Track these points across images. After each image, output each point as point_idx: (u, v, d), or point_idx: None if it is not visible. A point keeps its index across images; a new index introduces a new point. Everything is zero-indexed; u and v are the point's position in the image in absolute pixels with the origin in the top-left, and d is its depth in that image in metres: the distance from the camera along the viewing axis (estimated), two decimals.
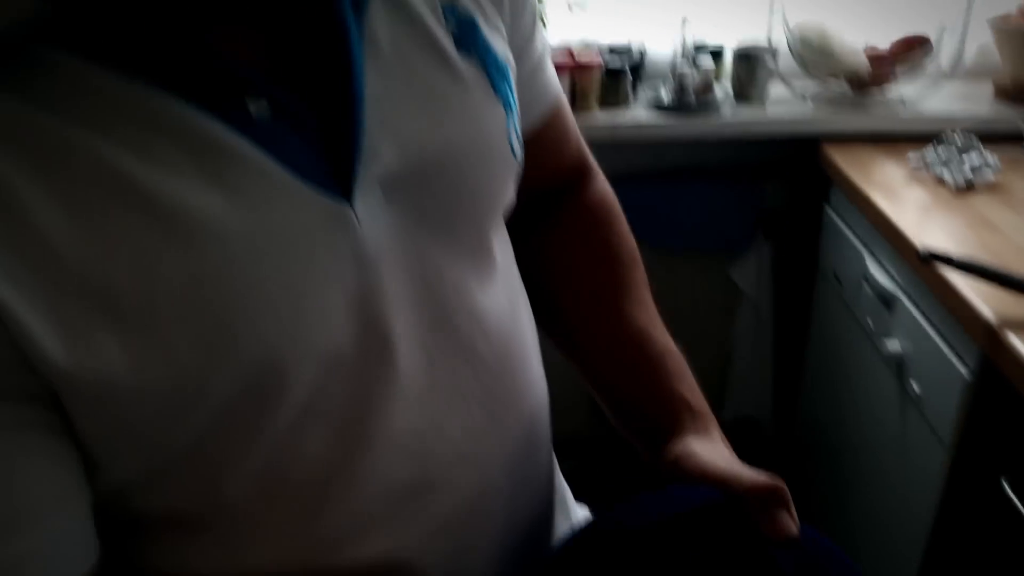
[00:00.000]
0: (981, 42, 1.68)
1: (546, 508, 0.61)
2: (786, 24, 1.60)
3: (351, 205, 0.43)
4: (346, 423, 0.45)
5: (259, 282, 0.40)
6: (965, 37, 1.60)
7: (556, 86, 0.65)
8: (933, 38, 1.59)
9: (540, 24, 0.61)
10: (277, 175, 0.41)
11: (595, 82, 1.57)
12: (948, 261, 1.02)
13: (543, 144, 0.64)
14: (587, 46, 1.64)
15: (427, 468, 0.49)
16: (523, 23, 0.58)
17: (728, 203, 1.68)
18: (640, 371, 0.60)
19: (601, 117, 1.56)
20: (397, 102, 0.45)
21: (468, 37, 0.50)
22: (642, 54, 1.67)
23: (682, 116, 1.57)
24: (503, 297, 0.55)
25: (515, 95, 0.55)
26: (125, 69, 0.38)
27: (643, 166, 1.70)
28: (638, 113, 1.60)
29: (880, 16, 1.64)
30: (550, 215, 0.68)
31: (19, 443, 0.37)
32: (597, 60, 1.57)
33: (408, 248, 0.46)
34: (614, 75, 1.58)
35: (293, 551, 0.46)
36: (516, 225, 0.61)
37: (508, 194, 0.55)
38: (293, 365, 0.41)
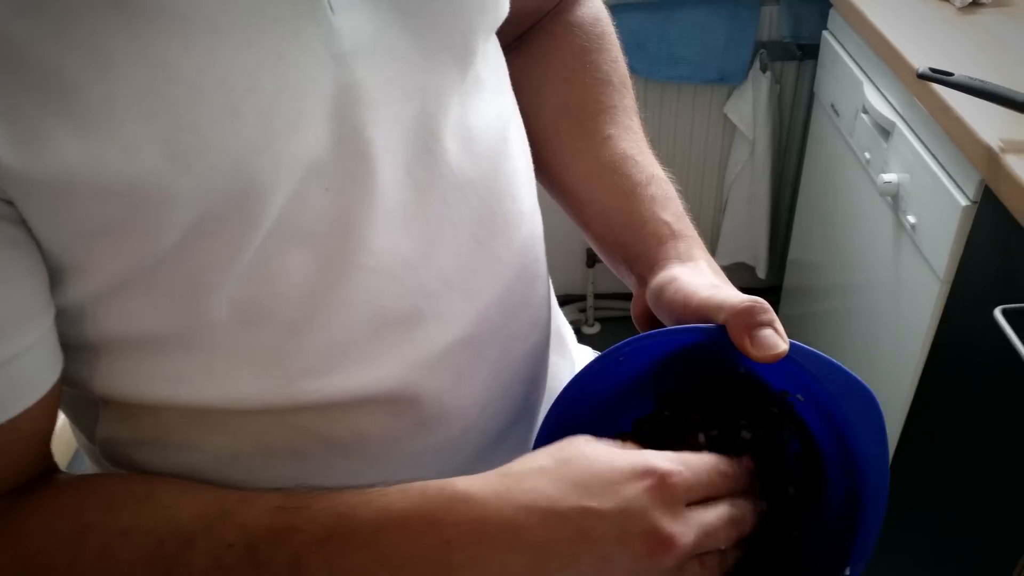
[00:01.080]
0: None
1: (543, 346, 0.59)
2: None
3: (334, 14, 0.40)
4: (326, 243, 0.43)
5: (221, 74, 0.37)
6: None
7: None
8: None
9: None
10: None
11: None
12: (947, 80, 0.95)
13: None
14: None
15: (415, 298, 0.46)
16: None
17: (724, 32, 1.57)
18: (622, 197, 0.56)
19: None
20: None
21: None
22: None
23: None
24: (492, 116, 0.51)
25: None
26: None
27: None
28: None
29: None
30: (537, 36, 0.63)
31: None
32: None
33: (387, 48, 0.42)
34: None
35: (273, 379, 0.45)
36: (502, 48, 0.57)
37: (501, 5, 0.50)
38: (265, 173, 0.39)
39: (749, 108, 1.63)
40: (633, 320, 0.53)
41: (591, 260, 1.83)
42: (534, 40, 0.63)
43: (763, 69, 1.60)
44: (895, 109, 1.19)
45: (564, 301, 1.91)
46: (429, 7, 0.44)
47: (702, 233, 0.55)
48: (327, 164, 0.41)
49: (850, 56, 1.36)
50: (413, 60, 0.44)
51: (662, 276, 0.50)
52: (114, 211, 0.37)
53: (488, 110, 0.50)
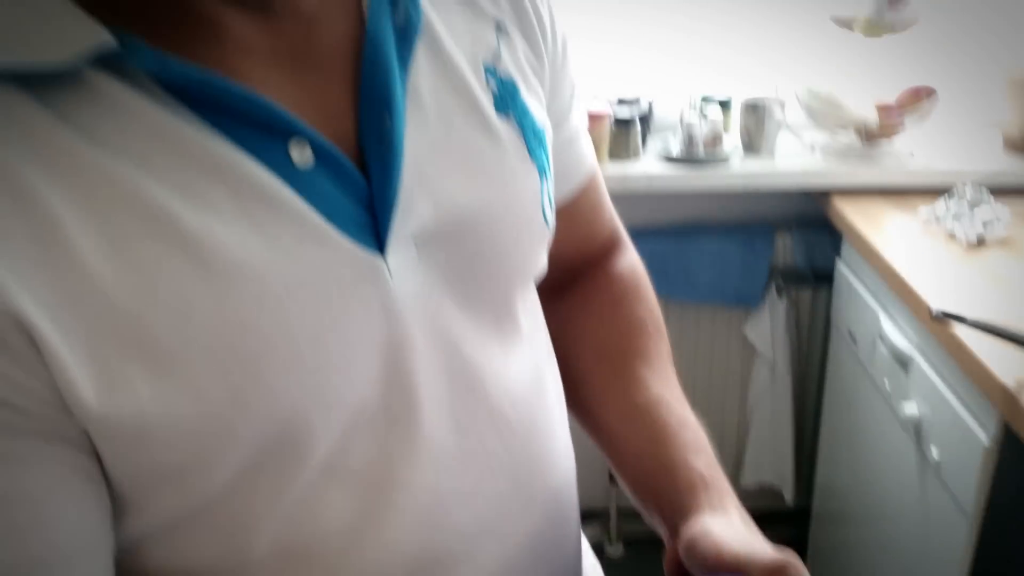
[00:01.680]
0: (988, 92, 1.67)
1: None
2: (791, 75, 1.61)
3: (384, 258, 0.43)
4: (368, 484, 0.44)
5: (290, 329, 0.40)
6: (971, 86, 1.60)
7: (591, 158, 0.65)
8: (939, 88, 1.59)
9: (578, 97, 0.61)
10: (314, 223, 0.41)
11: (605, 133, 1.57)
12: (961, 321, 0.99)
13: (576, 215, 0.64)
14: (596, 97, 1.64)
15: (448, 539, 0.47)
16: (562, 93, 0.58)
17: (740, 257, 1.66)
18: (655, 442, 0.58)
19: (611, 168, 1.56)
20: (435, 157, 0.45)
21: (508, 99, 0.50)
22: (651, 105, 1.67)
23: (691, 168, 1.56)
24: (529, 364, 0.54)
25: (551, 162, 0.54)
26: (176, 104, 0.38)
27: (653, 218, 1.69)
28: (648, 164, 1.59)
29: (884, 69, 1.63)
30: (578, 283, 0.68)
31: (55, 487, 0.37)
32: (606, 111, 1.57)
33: (436, 305, 0.46)
34: (623, 126, 1.58)
35: None
36: (545, 292, 0.61)
37: (538, 260, 0.54)
38: (318, 416, 0.41)
39: (767, 330, 1.68)
40: (666, 572, 0.54)
41: (613, 475, 1.81)
42: (575, 287, 0.67)
43: (779, 293, 1.66)
44: (911, 342, 1.23)
45: (585, 516, 1.87)
46: (474, 270, 0.48)
47: (726, 454, 0.57)
48: (375, 408, 0.44)
49: (864, 286, 1.42)
50: (459, 316, 0.47)
51: (694, 527, 0.51)
52: (179, 453, 0.39)
53: (526, 356, 0.53)
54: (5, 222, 0.34)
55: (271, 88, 0.41)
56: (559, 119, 0.58)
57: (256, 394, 0.39)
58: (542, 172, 0.52)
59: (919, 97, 1.59)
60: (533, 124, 0.51)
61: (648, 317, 0.66)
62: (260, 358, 0.39)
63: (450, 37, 0.48)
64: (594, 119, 1.54)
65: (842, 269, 1.53)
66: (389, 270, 0.43)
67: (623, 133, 1.58)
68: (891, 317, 1.31)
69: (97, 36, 0.36)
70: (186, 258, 0.37)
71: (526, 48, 0.53)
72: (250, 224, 0.39)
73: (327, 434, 0.42)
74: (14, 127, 0.35)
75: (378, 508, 0.45)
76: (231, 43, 0.40)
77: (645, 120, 1.64)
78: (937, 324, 1.05)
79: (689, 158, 1.57)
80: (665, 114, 1.70)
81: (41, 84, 0.36)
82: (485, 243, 0.48)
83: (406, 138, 0.44)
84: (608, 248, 0.69)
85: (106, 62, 0.37)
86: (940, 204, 1.42)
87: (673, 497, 0.55)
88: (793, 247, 1.68)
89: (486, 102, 0.49)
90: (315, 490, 0.43)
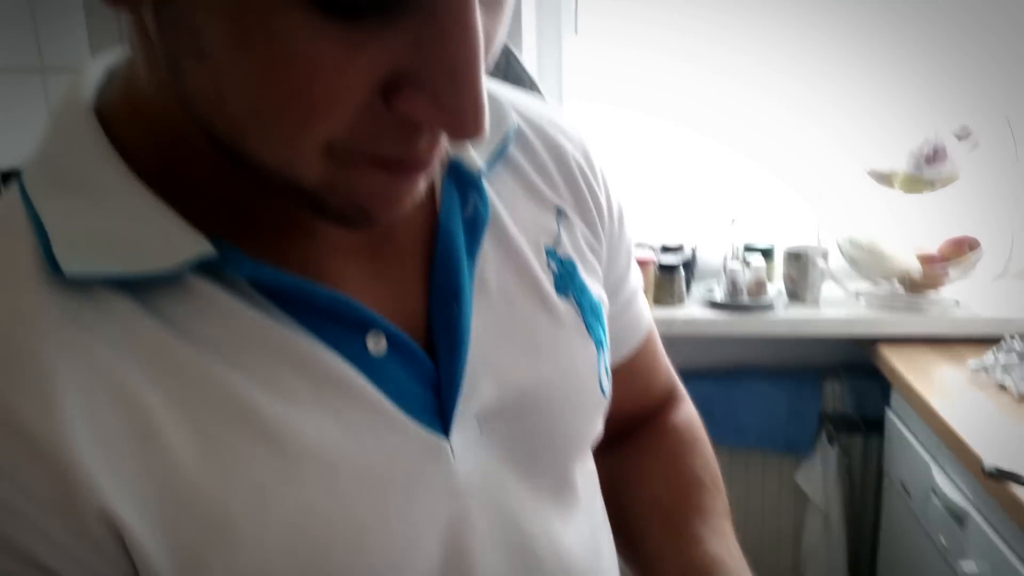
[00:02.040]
0: None
1: None
2: (834, 225, 1.65)
3: (448, 439, 0.45)
4: None
5: (357, 515, 0.41)
6: (1013, 237, 1.62)
7: (648, 318, 0.67)
8: (981, 238, 1.61)
9: (634, 261, 0.65)
10: (386, 410, 0.43)
11: (650, 279, 1.61)
12: (1017, 480, 0.98)
13: (633, 373, 0.66)
14: (640, 244, 1.70)
15: None
16: (619, 262, 0.61)
17: (788, 403, 1.66)
18: None
19: (656, 313, 1.59)
20: (499, 340, 0.48)
21: (567, 279, 0.53)
22: (694, 252, 1.72)
23: (736, 314, 1.59)
24: (586, 531, 0.55)
25: (607, 333, 0.56)
26: (266, 303, 0.41)
27: (699, 361, 1.70)
28: (692, 310, 1.62)
29: (928, 216, 1.66)
30: (634, 436, 0.69)
31: None
32: (651, 257, 1.62)
33: (496, 481, 0.48)
34: (668, 272, 1.62)
35: None
36: (601, 446, 0.61)
37: (595, 429, 0.56)
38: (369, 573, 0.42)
39: (819, 478, 1.65)
40: None
41: None
42: (632, 440, 0.68)
43: (830, 441, 1.64)
44: (966, 497, 1.20)
45: None
46: (534, 443, 0.50)
47: None
48: None
49: (915, 437, 1.41)
50: (518, 489, 0.49)
51: None
52: None
53: (582, 524, 0.54)
54: (105, 420, 0.37)
55: (351, 280, 0.45)
56: (616, 286, 0.61)
57: (321, 574, 0.41)
58: (599, 345, 0.54)
59: (962, 248, 1.62)
60: (591, 300, 0.54)
61: (705, 471, 0.66)
62: (328, 542, 0.40)
63: (514, 225, 0.51)
64: (641, 266, 1.59)
65: (892, 418, 1.51)
66: (452, 450, 0.45)
67: (668, 279, 1.62)
68: (943, 470, 1.29)
69: (198, 246, 0.39)
70: (267, 447, 0.39)
71: (584, 229, 0.56)
72: (327, 412, 0.41)
73: None
74: (117, 327, 0.39)
75: None
76: (320, 244, 0.44)
77: (689, 266, 1.68)
78: (991, 481, 1.03)
79: (733, 304, 1.60)
80: (709, 259, 1.74)
81: (144, 287, 0.39)
82: (545, 417, 0.50)
83: (472, 323, 0.47)
84: (664, 401, 0.71)
85: (204, 267, 0.40)
86: (989, 355, 1.42)
87: None
88: (842, 393, 1.67)
89: (547, 283, 0.52)
90: None
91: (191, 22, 0.34)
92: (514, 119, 0.52)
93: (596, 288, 0.56)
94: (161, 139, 0.41)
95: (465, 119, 0.34)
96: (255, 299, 0.41)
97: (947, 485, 1.26)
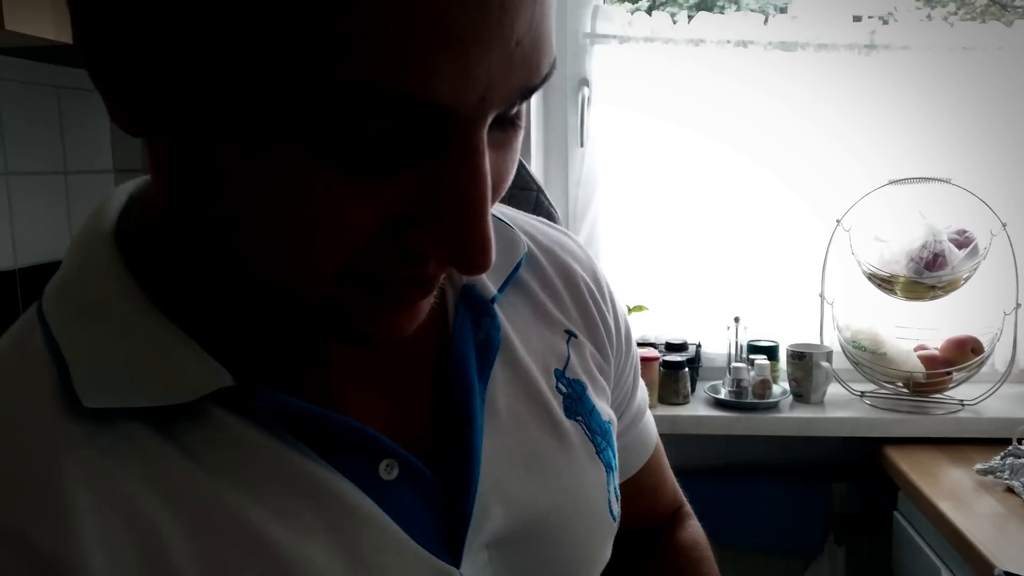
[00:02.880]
0: None
1: None
2: (837, 326, 1.67)
3: (459, 568, 0.45)
4: None
5: None
6: (1016, 341, 1.64)
7: (654, 434, 0.68)
8: (983, 339, 1.63)
9: (639, 378, 0.66)
10: (396, 537, 0.43)
11: (654, 377, 1.63)
12: None
13: (640, 488, 0.66)
14: (644, 340, 1.72)
15: None
16: (626, 379, 0.62)
17: (795, 503, 1.65)
18: None
19: (661, 411, 1.60)
20: (509, 464, 0.48)
21: (576, 401, 0.54)
22: (698, 350, 1.74)
23: (741, 413, 1.60)
24: None
25: (615, 453, 0.57)
26: (282, 432, 0.42)
27: (705, 462, 1.70)
28: (697, 408, 1.63)
29: (929, 312, 1.68)
30: (644, 553, 0.69)
31: None
32: (656, 355, 1.64)
33: None
34: (672, 370, 1.64)
35: None
36: (610, 564, 0.60)
37: (605, 553, 0.55)
38: None
39: None
40: None
41: None
42: (643, 560, 0.68)
43: (837, 542, 1.63)
44: None
45: None
46: (543, 569, 0.49)
47: None
48: None
49: (923, 539, 1.40)
50: None
51: None
52: None
53: None
54: (120, 546, 0.38)
55: (363, 404, 0.46)
56: (623, 402, 0.63)
57: None
58: (608, 468, 0.55)
59: (965, 348, 1.64)
60: (600, 421, 0.55)
61: None
62: None
63: (524, 348, 0.52)
64: (646, 363, 1.62)
65: (900, 520, 1.50)
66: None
67: (672, 377, 1.64)
68: (953, 574, 1.27)
69: (216, 376, 0.40)
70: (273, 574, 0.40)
71: (594, 350, 0.57)
72: (338, 542, 0.41)
73: None
74: (134, 454, 0.39)
75: None
76: (333, 370, 0.46)
77: (693, 364, 1.70)
78: None
79: (738, 403, 1.61)
80: (713, 357, 1.76)
81: (162, 414, 0.40)
82: (555, 544, 0.50)
83: (483, 447, 0.47)
84: (670, 516, 0.71)
85: (222, 394, 0.41)
86: (996, 459, 1.42)
87: None
88: (848, 494, 1.66)
89: (556, 406, 0.52)
90: None
91: (208, 153, 0.36)
92: (525, 245, 0.54)
93: (605, 409, 0.57)
94: (178, 266, 0.43)
95: (472, 256, 0.36)
96: (271, 427, 0.42)
97: None
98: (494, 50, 0.33)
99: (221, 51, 0.33)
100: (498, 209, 0.55)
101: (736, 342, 1.70)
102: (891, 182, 1.65)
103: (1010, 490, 1.35)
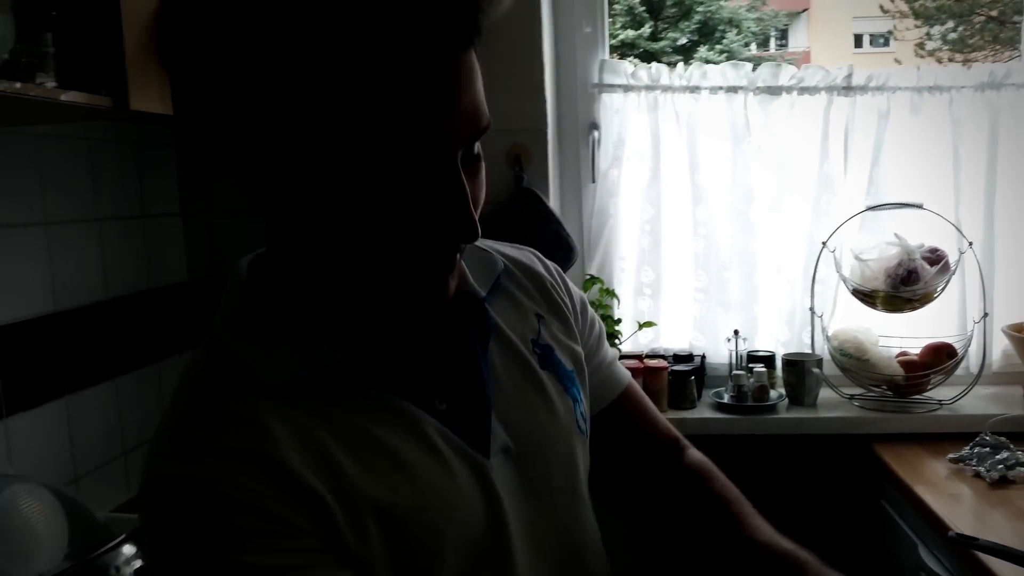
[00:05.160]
0: (1006, 346, 1.90)
1: None
2: (825, 336, 1.87)
3: (489, 460, 0.71)
4: None
5: (435, 500, 0.65)
6: (985, 346, 1.83)
7: (625, 377, 0.92)
8: (957, 345, 1.82)
9: (605, 341, 0.92)
10: (452, 439, 0.69)
11: (664, 384, 1.83)
12: (975, 544, 1.17)
13: (627, 410, 0.90)
14: (654, 352, 1.93)
15: None
16: (589, 338, 0.88)
17: (792, 496, 1.83)
18: (792, 559, 0.78)
19: (670, 416, 1.80)
20: (507, 403, 0.74)
21: (547, 358, 0.80)
22: (703, 360, 1.95)
23: (742, 415, 1.80)
24: (592, 524, 0.81)
25: (580, 393, 0.82)
26: (378, 388, 0.68)
27: (711, 459, 1.88)
28: (703, 412, 1.83)
29: (904, 325, 1.87)
30: (662, 475, 0.90)
31: None
32: (664, 365, 1.85)
33: (521, 495, 0.72)
34: (679, 378, 1.84)
35: None
36: (640, 496, 0.87)
37: (582, 456, 0.80)
38: (451, 534, 0.66)
39: None
40: None
41: None
42: (664, 479, 0.89)
43: (831, 530, 1.81)
44: (948, 570, 1.37)
45: None
46: (542, 468, 0.75)
47: None
48: (481, 532, 0.68)
49: (904, 522, 1.59)
50: (534, 489, 0.73)
51: None
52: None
53: (590, 521, 0.80)
54: (305, 452, 0.62)
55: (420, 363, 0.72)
56: (591, 352, 0.87)
57: (433, 529, 0.65)
58: (575, 400, 0.80)
59: (940, 354, 1.83)
60: (565, 371, 0.81)
61: (729, 488, 0.88)
62: (429, 508, 0.65)
63: (508, 329, 0.78)
64: (654, 371, 1.82)
65: (885, 507, 1.69)
66: (491, 467, 0.70)
67: (680, 384, 1.84)
68: (929, 548, 1.46)
69: (331, 358, 0.66)
70: (390, 462, 0.65)
71: (558, 324, 0.84)
72: (419, 442, 0.67)
73: (454, 545, 0.66)
74: (306, 410, 0.64)
75: None
76: (400, 344, 0.71)
77: (699, 373, 1.90)
78: (955, 546, 1.21)
79: (739, 406, 1.82)
80: (716, 366, 1.97)
81: (309, 384, 0.65)
82: (544, 448, 0.75)
83: (491, 394, 0.73)
84: (675, 446, 0.93)
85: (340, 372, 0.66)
86: (966, 449, 1.61)
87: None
88: (840, 486, 1.84)
89: (534, 363, 0.78)
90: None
91: (313, 212, 0.62)
92: (502, 263, 0.80)
93: (568, 363, 0.82)
94: (291, 291, 0.69)
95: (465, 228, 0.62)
96: (376, 386, 0.69)
97: (932, 561, 1.43)
98: (465, 118, 0.60)
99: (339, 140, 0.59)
100: (483, 242, 0.81)
101: (736, 352, 1.90)
102: (869, 208, 1.86)
103: (977, 475, 1.54)
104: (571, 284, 0.89)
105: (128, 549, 1.15)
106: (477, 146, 0.64)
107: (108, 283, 1.61)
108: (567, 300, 0.86)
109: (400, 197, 0.60)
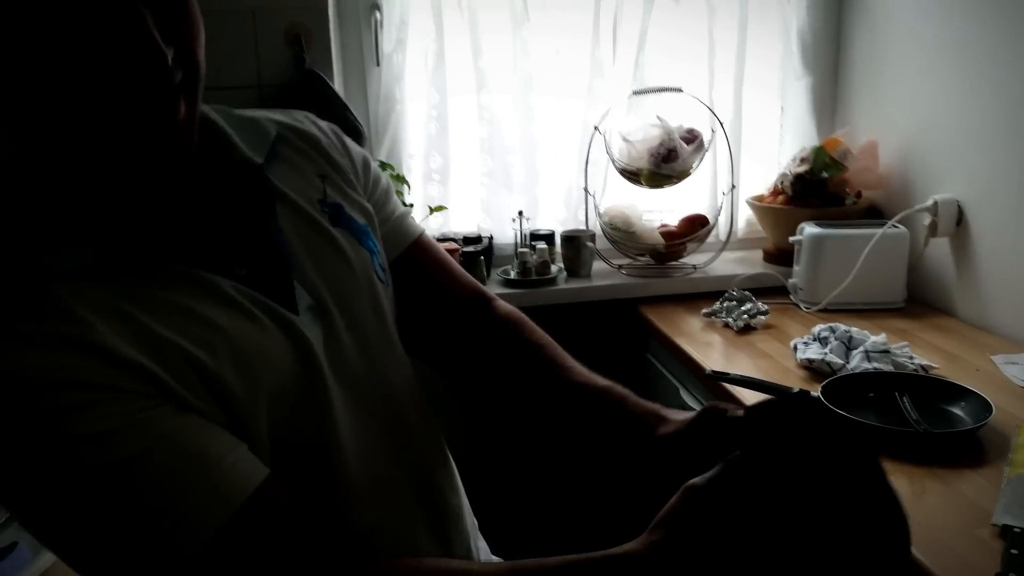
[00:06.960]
0: (749, 216, 2.18)
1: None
2: (597, 213, 2.04)
3: (298, 316, 0.73)
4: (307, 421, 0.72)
5: (251, 353, 0.68)
6: (733, 216, 2.09)
7: (417, 229, 0.96)
8: (709, 215, 2.06)
9: (393, 195, 0.94)
10: (258, 299, 0.71)
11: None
12: (727, 377, 1.38)
13: (420, 263, 0.94)
14: (445, 236, 2.01)
15: None
16: (376, 196, 0.91)
17: (571, 352, 2.01)
18: (612, 394, 0.85)
19: None
20: (304, 264, 0.76)
21: (337, 216, 0.82)
22: (490, 241, 2.05)
23: (527, 288, 1.94)
24: (411, 374, 0.87)
25: (376, 244, 0.85)
26: (174, 264, 0.69)
27: None
28: (492, 288, 1.95)
29: (668, 197, 2.09)
30: (475, 327, 0.96)
31: (206, 431, 0.64)
32: (455, 247, 1.93)
33: (333, 347, 0.76)
34: (470, 258, 1.94)
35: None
36: (456, 346, 0.91)
37: (389, 306, 0.85)
38: (269, 384, 0.68)
39: None
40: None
41: None
42: (478, 329, 0.95)
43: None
44: (700, 403, 1.60)
45: None
46: (350, 317, 0.79)
47: None
48: (295, 385, 0.71)
49: (667, 370, 1.81)
50: (347, 342, 0.78)
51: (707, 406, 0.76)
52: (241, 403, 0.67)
53: (401, 360, 0.88)
54: (115, 325, 0.62)
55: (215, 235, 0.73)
56: (379, 210, 0.90)
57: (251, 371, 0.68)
58: (371, 252, 0.84)
59: (695, 224, 2.06)
60: (358, 225, 0.84)
61: (539, 333, 0.96)
62: (246, 352, 0.67)
63: (293, 192, 0.79)
64: (449, 252, 1.90)
65: (651, 359, 1.91)
66: (300, 323, 0.73)
67: (471, 264, 1.94)
68: (687, 389, 1.69)
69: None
70: (198, 322, 0.66)
71: (342, 183, 0.86)
72: (223, 304, 0.69)
73: (272, 393, 0.70)
74: (111, 290, 0.64)
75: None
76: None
77: (487, 253, 2.01)
78: (711, 381, 1.43)
79: (525, 281, 1.95)
80: (503, 246, 2.08)
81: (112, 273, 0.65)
82: (346, 299, 0.78)
83: (289, 257, 0.75)
84: (482, 299, 0.98)
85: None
86: (717, 304, 1.85)
87: (643, 417, 0.81)
88: (612, 344, 2.05)
89: (325, 222, 0.80)
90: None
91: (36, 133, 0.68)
92: (275, 130, 0.81)
93: (359, 217, 0.85)
94: (35, 196, 0.68)
95: None
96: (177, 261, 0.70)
97: (691, 400, 1.66)
98: None
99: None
100: (252, 111, 0.83)
101: (520, 232, 2.02)
102: (635, 92, 2.01)
103: (727, 325, 1.78)
104: (349, 141, 0.91)
105: None
106: None
107: None
108: (347, 158, 0.88)
109: (79, 36, 0.60)
